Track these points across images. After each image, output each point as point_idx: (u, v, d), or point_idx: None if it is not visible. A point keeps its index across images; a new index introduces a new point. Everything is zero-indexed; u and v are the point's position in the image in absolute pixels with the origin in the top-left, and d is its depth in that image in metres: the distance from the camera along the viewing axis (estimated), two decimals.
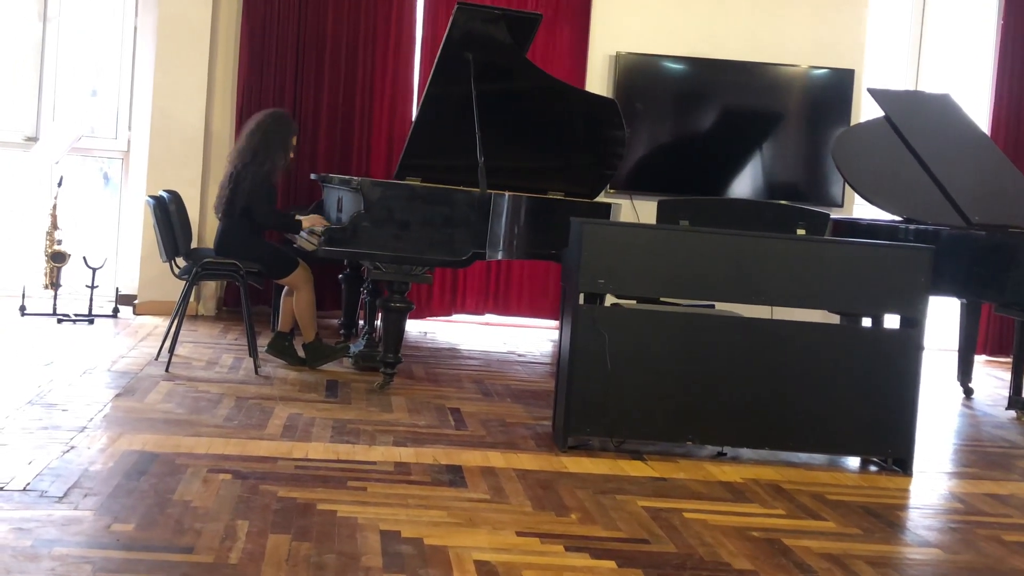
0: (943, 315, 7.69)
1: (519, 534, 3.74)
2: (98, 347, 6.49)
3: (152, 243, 6.66)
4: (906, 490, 4.75)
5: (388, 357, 5.92)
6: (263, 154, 6.12)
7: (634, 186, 8.37)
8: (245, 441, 4.65)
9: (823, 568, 3.64)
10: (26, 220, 8.12)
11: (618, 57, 8.34)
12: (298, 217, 6.34)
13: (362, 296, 7.02)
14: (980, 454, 5.54)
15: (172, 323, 6.15)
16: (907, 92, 8.26)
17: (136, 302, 7.81)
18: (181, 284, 6.25)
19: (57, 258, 7.38)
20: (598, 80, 8.36)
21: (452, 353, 7.31)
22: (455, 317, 8.43)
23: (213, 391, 5.56)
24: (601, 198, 6.90)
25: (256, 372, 6.03)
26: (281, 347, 6.35)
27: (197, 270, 6.10)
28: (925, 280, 4.91)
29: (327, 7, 7.96)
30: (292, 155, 6.41)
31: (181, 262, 6.24)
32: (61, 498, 3.75)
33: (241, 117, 7.79)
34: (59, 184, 7.46)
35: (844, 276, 4.91)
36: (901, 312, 5.01)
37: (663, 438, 4.96)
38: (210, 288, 7.97)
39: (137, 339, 6.83)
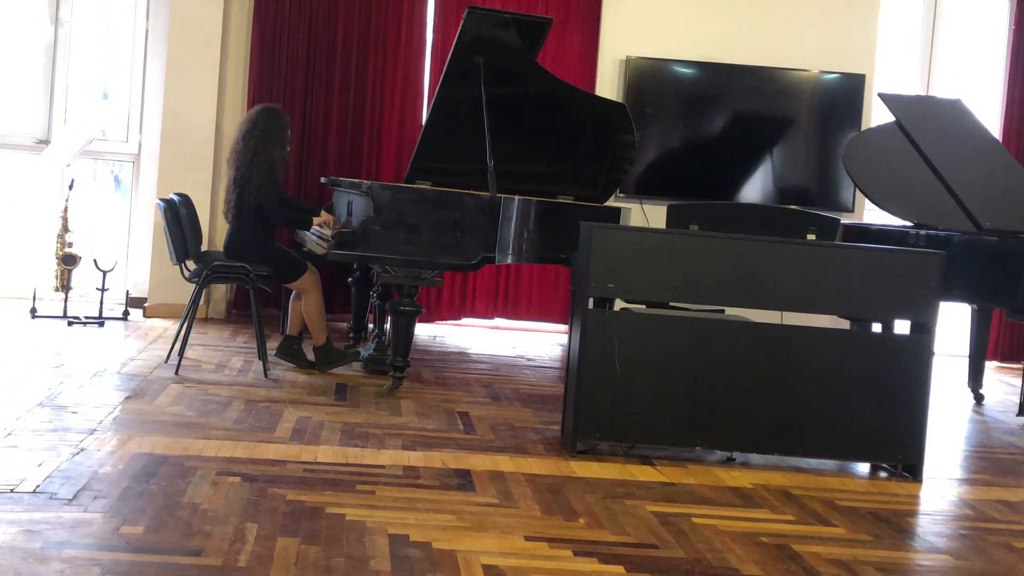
0: (954, 321, 7.67)
1: (528, 538, 3.74)
2: (108, 350, 6.51)
3: (162, 246, 6.67)
4: (916, 496, 4.74)
5: (397, 361, 5.92)
6: (263, 153, 6.11)
7: (644, 190, 8.37)
8: (254, 444, 4.65)
9: (832, 574, 3.63)
10: (37, 223, 8.15)
11: (628, 61, 8.34)
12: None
13: (372, 300, 7.03)
14: (991, 460, 5.52)
15: (182, 326, 6.16)
16: (918, 97, 8.25)
17: (146, 305, 7.83)
18: (191, 287, 6.26)
19: (68, 261, 7.40)
20: (608, 84, 8.36)
21: (461, 357, 7.31)
22: (464, 321, 8.43)
23: (222, 394, 5.57)
24: (611, 202, 6.90)
25: (265, 375, 6.04)
26: (290, 350, 6.35)
27: (207, 273, 6.11)
28: (936, 285, 4.90)
29: (338, 10, 7.98)
30: (288, 148, 6.39)
31: (191, 265, 6.25)
32: (71, 500, 3.75)
33: None
34: (70, 187, 7.49)
35: (854, 281, 4.90)
36: (911, 317, 4.99)
37: (672, 443, 4.96)
38: (220, 291, 7.99)
39: (147, 342, 6.84)
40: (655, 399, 4.84)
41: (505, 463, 4.67)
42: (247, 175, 6.09)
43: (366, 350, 6.57)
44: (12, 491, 3.80)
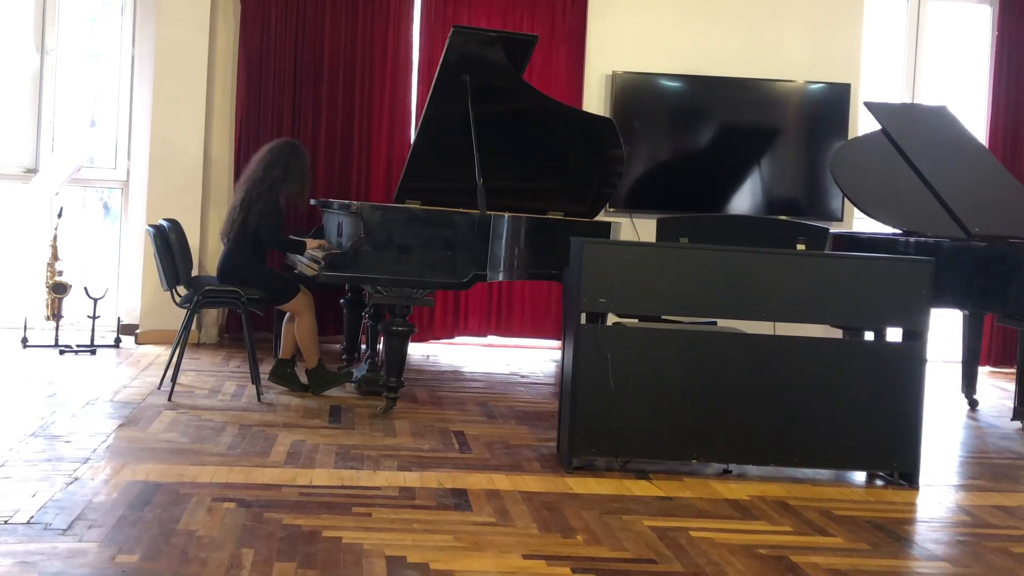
0: (946, 327, 7.68)
1: (525, 557, 3.72)
2: (100, 377, 6.49)
3: (153, 272, 6.66)
4: (913, 504, 4.73)
5: (391, 381, 5.91)
6: (279, 184, 6.14)
7: (633, 204, 8.38)
8: (249, 469, 4.64)
9: None
10: (27, 252, 8.13)
11: (615, 76, 8.36)
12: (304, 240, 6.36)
13: (364, 320, 7.02)
14: (986, 466, 5.52)
15: (174, 352, 6.14)
16: (903, 105, 8.27)
17: (138, 331, 7.81)
18: (183, 312, 6.25)
19: (58, 289, 7.38)
20: (595, 99, 8.38)
21: (455, 376, 7.30)
22: (457, 339, 8.42)
23: (216, 419, 5.55)
24: (601, 217, 6.91)
25: (259, 399, 6.02)
26: (283, 374, 6.34)
27: (198, 298, 6.10)
28: (926, 292, 4.91)
29: (324, 33, 7.99)
30: (307, 187, 6.42)
31: (182, 290, 6.24)
32: (65, 530, 3.73)
33: (240, 144, 7.83)
34: (59, 215, 7.48)
35: (845, 290, 4.91)
36: (903, 325, 5.00)
37: (668, 456, 4.95)
38: (211, 316, 7.97)
39: (139, 368, 6.82)
40: (650, 413, 4.84)
41: (501, 481, 4.66)
42: (255, 198, 6.10)
43: (359, 371, 6.56)
44: (6, 522, 3.78)
